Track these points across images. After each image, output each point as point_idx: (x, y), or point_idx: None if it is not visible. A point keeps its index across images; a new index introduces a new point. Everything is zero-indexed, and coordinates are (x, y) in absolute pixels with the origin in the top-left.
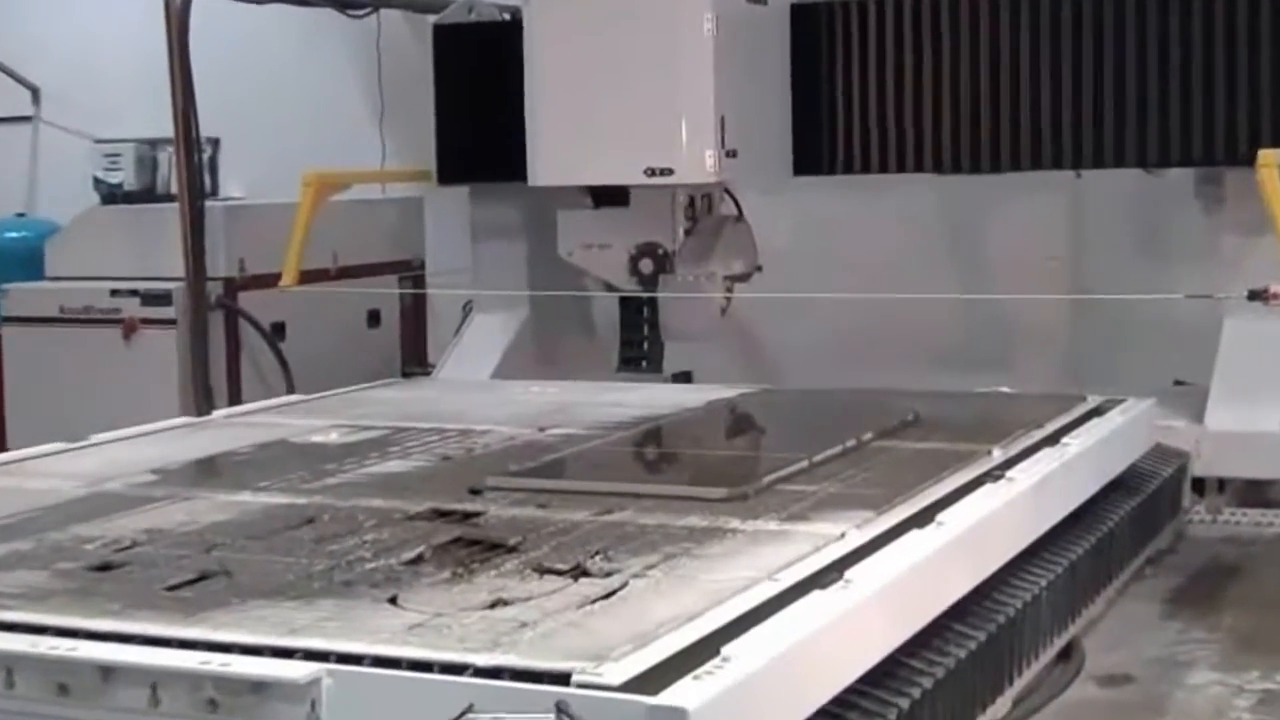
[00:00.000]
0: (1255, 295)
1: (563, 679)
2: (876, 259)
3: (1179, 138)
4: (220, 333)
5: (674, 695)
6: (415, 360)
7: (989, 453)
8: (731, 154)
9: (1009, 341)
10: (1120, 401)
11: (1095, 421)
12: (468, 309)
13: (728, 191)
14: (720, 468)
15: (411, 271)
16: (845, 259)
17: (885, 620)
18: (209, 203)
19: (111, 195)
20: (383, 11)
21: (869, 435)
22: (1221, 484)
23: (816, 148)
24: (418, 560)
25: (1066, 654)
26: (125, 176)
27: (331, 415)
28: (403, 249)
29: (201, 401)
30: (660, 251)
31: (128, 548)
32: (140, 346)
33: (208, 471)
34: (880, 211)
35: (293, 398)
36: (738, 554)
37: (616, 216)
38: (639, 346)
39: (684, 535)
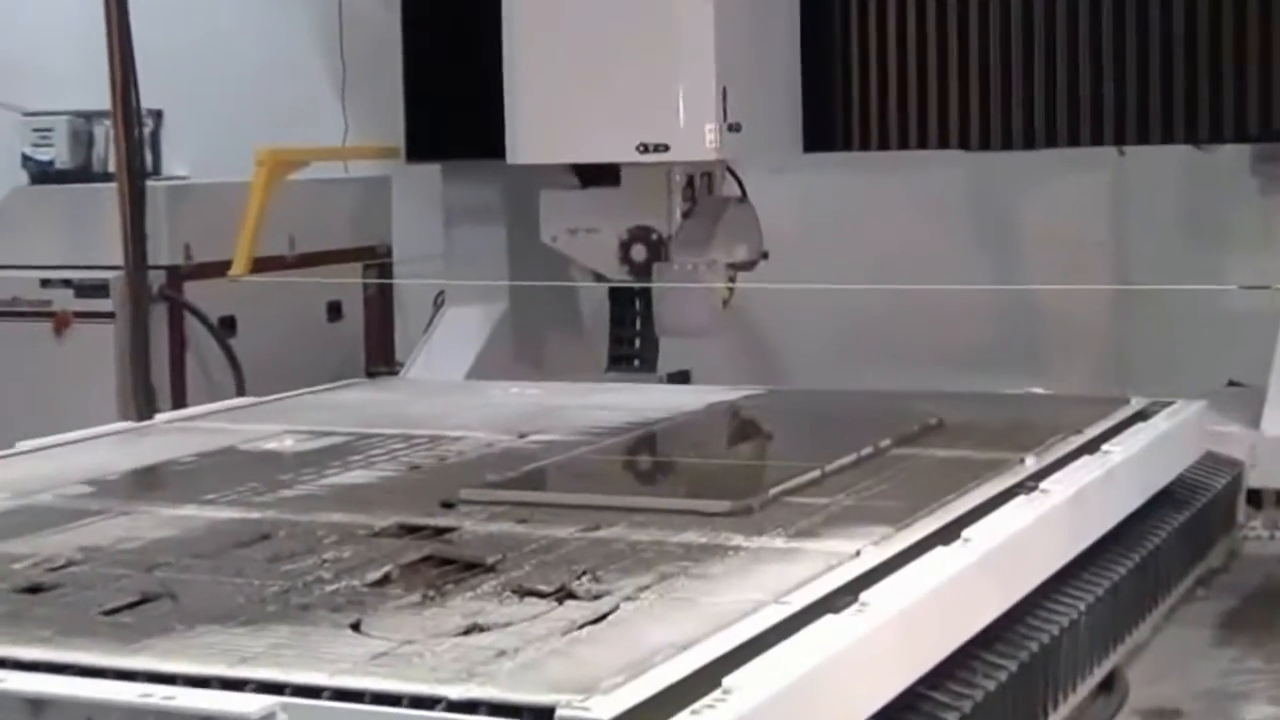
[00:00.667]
0: None
1: (546, 713)
2: (896, 246)
3: (1233, 111)
4: (163, 328)
5: None
6: (381, 358)
7: (1021, 461)
8: (734, 128)
9: (1043, 338)
10: (1168, 404)
11: (1140, 427)
12: (440, 301)
13: (730, 170)
14: (721, 478)
15: (377, 259)
16: (861, 246)
17: (905, 648)
18: (150, 183)
19: (42, 174)
20: None
21: (887, 442)
22: None
23: (829, 121)
24: (384, 581)
25: (1108, 686)
26: (57, 153)
27: (287, 420)
28: (367, 234)
29: (142, 404)
30: (654, 237)
31: (60, 567)
32: (73, 343)
33: (149, 482)
34: (900, 193)
35: (244, 400)
36: (741, 574)
37: (606, 198)
38: (630, 343)
39: (681, 553)
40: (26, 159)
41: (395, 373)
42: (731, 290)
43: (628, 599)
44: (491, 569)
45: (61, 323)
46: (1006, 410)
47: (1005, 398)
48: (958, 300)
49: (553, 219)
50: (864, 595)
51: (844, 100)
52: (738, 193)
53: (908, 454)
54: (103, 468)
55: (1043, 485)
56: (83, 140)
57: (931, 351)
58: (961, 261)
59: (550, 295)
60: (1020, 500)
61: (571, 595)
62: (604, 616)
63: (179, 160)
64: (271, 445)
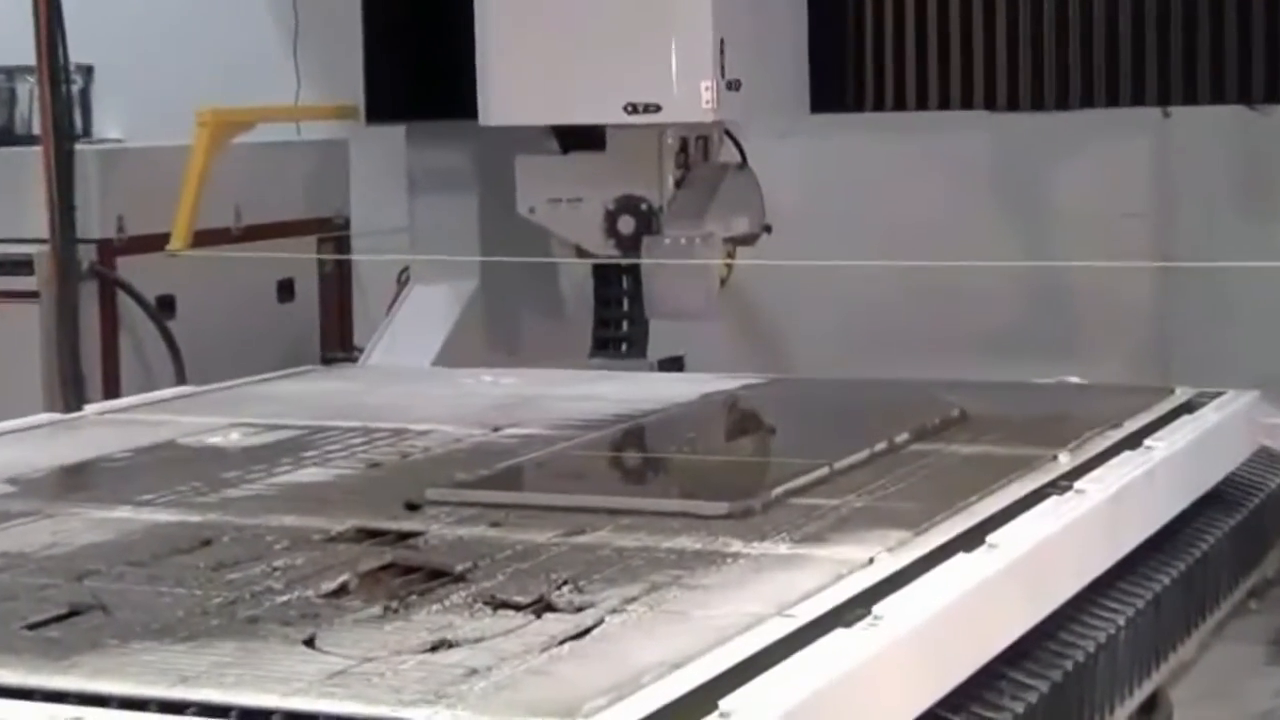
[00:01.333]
0: None
1: None
2: (913, 218)
3: None
4: (93, 308)
5: None
6: (338, 343)
7: (1053, 458)
8: (733, 86)
9: (1077, 321)
10: (1217, 394)
11: (1186, 419)
12: (404, 279)
13: (728, 133)
14: (718, 477)
15: (333, 232)
16: (874, 218)
17: (923, 666)
18: (80, 146)
19: None
20: None
21: (904, 436)
22: None
23: (839, 79)
24: (341, 592)
25: (1150, 708)
26: None
27: (233, 411)
28: (322, 204)
29: (70, 394)
30: (644, 207)
31: None
32: None
33: (78, 481)
34: (918, 159)
35: (184, 389)
36: (740, 584)
37: (589, 164)
38: (617, 326)
39: (673, 561)
40: None
41: (354, 359)
42: (730, 268)
43: (614, 612)
44: (461, 578)
45: None
46: (1037, 401)
47: (1035, 388)
48: (982, 279)
49: (530, 188)
50: (878, 607)
51: (856, 55)
52: (737, 159)
53: (927, 450)
54: (27, 464)
55: (1077, 485)
56: (3, 99)
57: (953, 336)
58: (986, 235)
59: (527, 273)
60: (1052, 502)
61: (550, 607)
62: (587, 631)
63: (112, 121)
64: (215, 440)
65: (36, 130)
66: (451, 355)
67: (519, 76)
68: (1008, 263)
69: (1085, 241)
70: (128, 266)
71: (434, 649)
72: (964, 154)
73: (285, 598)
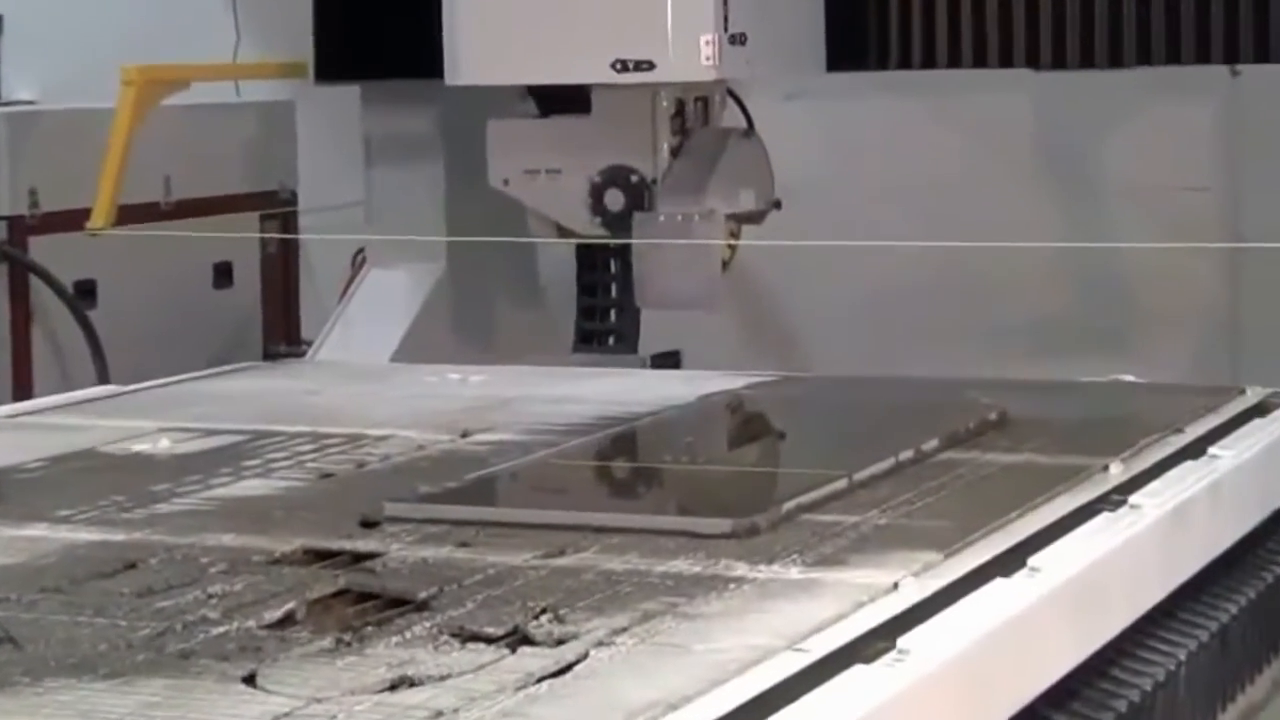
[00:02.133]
0: None
1: None
2: (945, 192)
3: None
4: (2, 296)
5: None
6: (283, 335)
7: (1105, 469)
8: (738, 40)
9: (1133, 310)
10: None
11: (1257, 424)
12: (359, 262)
13: (732, 94)
14: (720, 490)
15: (278, 208)
16: (900, 192)
17: (955, 707)
18: None
19: None
20: None
21: (933, 443)
22: None
23: (859, 33)
24: (286, 622)
25: None
26: None
27: (162, 415)
28: (265, 176)
29: None
30: (634, 180)
31: None
32: None
33: None
34: (950, 125)
35: (107, 389)
36: (745, 613)
37: (572, 130)
38: (604, 316)
39: (668, 586)
40: None
41: (302, 354)
42: (733, 249)
43: (600, 645)
44: (424, 606)
45: None
46: (1086, 403)
47: (1084, 387)
48: (1024, 262)
49: (504, 157)
50: (903, 640)
51: (878, 6)
52: (742, 124)
53: (960, 459)
54: None
55: (1132, 499)
56: None
57: (991, 328)
58: (1029, 213)
59: (501, 255)
60: (1103, 519)
61: (527, 640)
62: (569, 667)
63: (23, 81)
64: (142, 447)
65: None
66: (414, 349)
67: (491, 29)
68: (1053, 244)
69: (1142, 219)
70: (41, 247)
71: (393, 688)
72: (1003, 119)
73: (222, 629)
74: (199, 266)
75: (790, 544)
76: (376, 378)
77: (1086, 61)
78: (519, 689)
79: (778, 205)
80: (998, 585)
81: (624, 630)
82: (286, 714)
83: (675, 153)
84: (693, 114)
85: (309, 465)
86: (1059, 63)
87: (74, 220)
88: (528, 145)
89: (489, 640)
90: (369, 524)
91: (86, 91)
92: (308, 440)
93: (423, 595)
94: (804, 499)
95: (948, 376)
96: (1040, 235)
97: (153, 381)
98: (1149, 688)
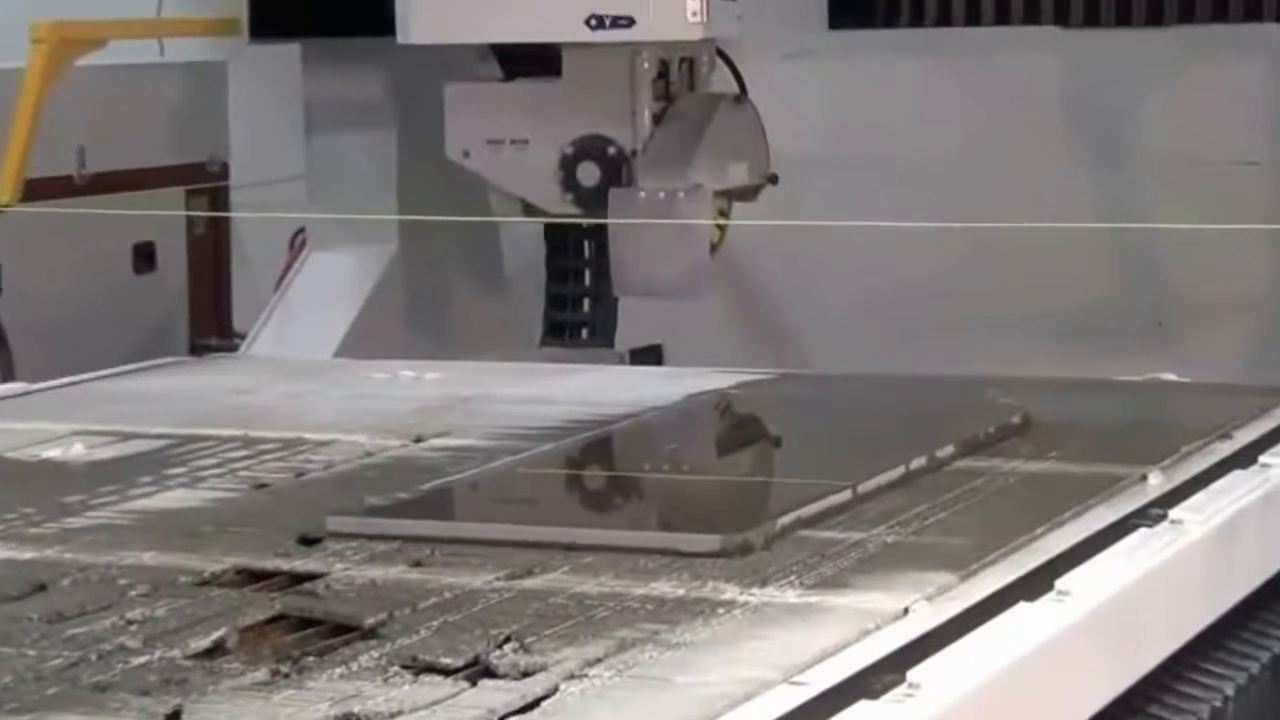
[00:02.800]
0: None
1: None
2: (961, 166)
3: None
4: None
5: None
6: (213, 327)
7: (1142, 479)
8: None
9: (1173, 298)
10: None
11: None
12: (299, 243)
13: (722, 55)
14: (708, 502)
15: (207, 183)
16: (910, 166)
17: None
18: None
19: None
20: None
21: (948, 450)
22: None
23: None
24: (216, 651)
25: None
26: None
27: (75, 416)
28: (193, 146)
29: None
30: (611, 152)
31: None
32: None
33: None
34: (967, 89)
35: (13, 387)
36: (736, 642)
37: (541, 96)
38: (576, 306)
39: (649, 612)
40: None
41: (234, 347)
42: (723, 230)
43: (571, 678)
44: (372, 634)
45: None
46: (1121, 404)
47: (1118, 386)
48: (1050, 245)
49: (464, 126)
50: (913, 673)
51: None
52: (734, 88)
53: (978, 467)
54: None
55: (1173, 514)
56: None
57: (1013, 318)
58: (1056, 189)
59: (460, 236)
60: (1140, 536)
61: (489, 672)
62: (536, 703)
63: None
64: (53, 453)
65: None
66: (361, 343)
67: None
68: (1083, 224)
69: (1183, 197)
70: None
71: None
72: (1027, 82)
73: (144, 659)
74: (117, 248)
75: (787, 564)
76: (318, 375)
77: (1122, 18)
78: None
79: (773, 180)
80: (1021, 611)
81: (598, 661)
82: None
83: (657, 121)
84: (677, 77)
85: (241, 474)
86: (1091, 19)
87: None
88: (490, 112)
89: (446, 672)
90: (309, 541)
91: None
92: (240, 446)
93: (370, 621)
94: (802, 513)
95: (964, 374)
96: (1069, 215)
97: (65, 379)
98: None
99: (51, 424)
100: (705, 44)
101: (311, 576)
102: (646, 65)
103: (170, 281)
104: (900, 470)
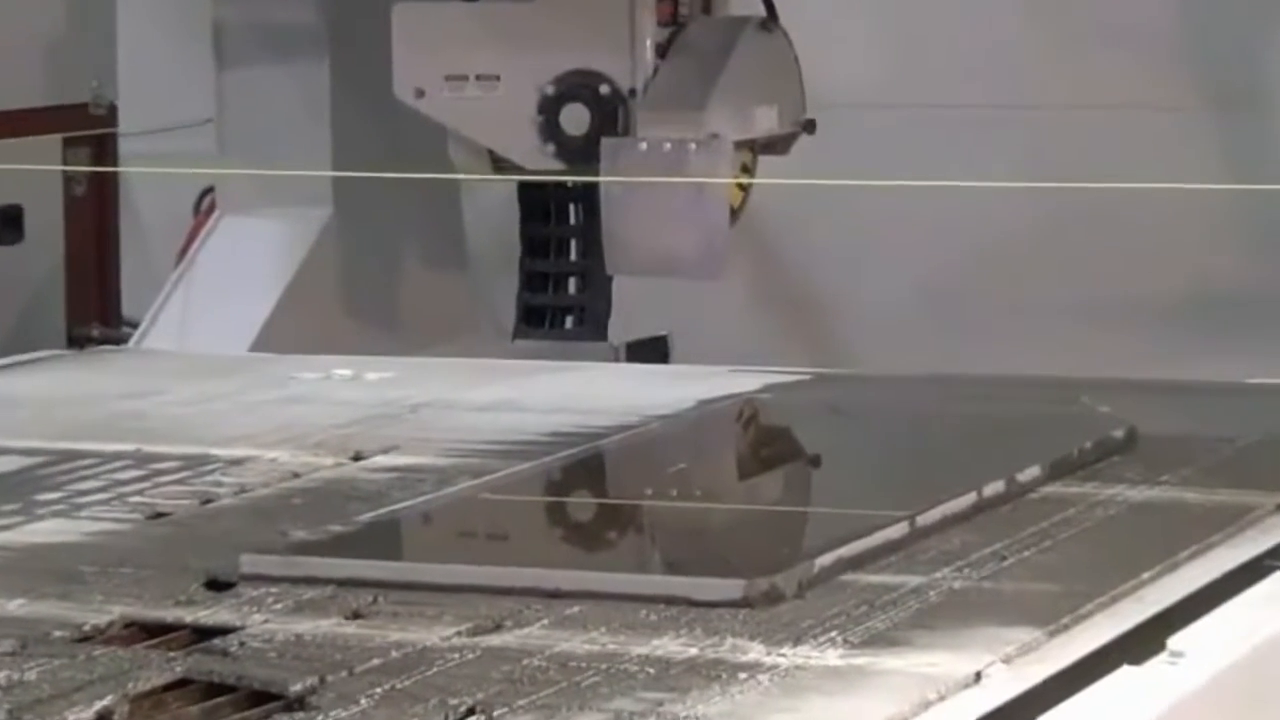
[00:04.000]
0: None
1: None
2: (1045, 109)
3: None
4: None
5: None
6: (96, 312)
7: (1277, 509)
8: None
9: None
10: None
11: None
12: (207, 206)
13: None
14: (726, 538)
15: (90, 128)
16: (980, 110)
17: None
18: None
19: None
20: None
21: (1031, 473)
22: None
23: None
24: None
25: None
26: None
27: None
28: (71, 82)
29: None
30: (604, 91)
31: None
32: None
33: None
34: (1059, 17)
35: None
36: (762, 716)
37: (515, 20)
38: (559, 287)
39: (651, 676)
40: None
41: (124, 339)
42: (746, 191)
43: None
44: (299, 704)
45: None
46: (1253, 415)
47: (1247, 392)
48: (1161, 210)
49: (417, 58)
50: None
51: None
52: (760, 10)
53: (1070, 494)
54: None
55: None
56: None
57: (1113, 303)
58: (1170, 139)
59: (410, 198)
60: (1275, 582)
61: None
62: None
63: None
64: None
65: None
66: (285, 333)
67: None
68: (1203, 185)
69: None
70: None
71: None
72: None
73: None
74: None
75: (826, 616)
76: (230, 373)
77: None
78: None
79: (809, 128)
80: (1125, 677)
81: None
82: None
83: (663, 52)
84: None
85: (133, 500)
86: None
87: None
88: (450, 41)
89: None
90: (219, 585)
91: None
92: (131, 464)
93: (297, 688)
94: (845, 551)
95: (1050, 375)
96: (1186, 172)
97: None
98: None
99: None
100: None
101: (222, 631)
102: None
103: (42, 255)
104: (970, 498)
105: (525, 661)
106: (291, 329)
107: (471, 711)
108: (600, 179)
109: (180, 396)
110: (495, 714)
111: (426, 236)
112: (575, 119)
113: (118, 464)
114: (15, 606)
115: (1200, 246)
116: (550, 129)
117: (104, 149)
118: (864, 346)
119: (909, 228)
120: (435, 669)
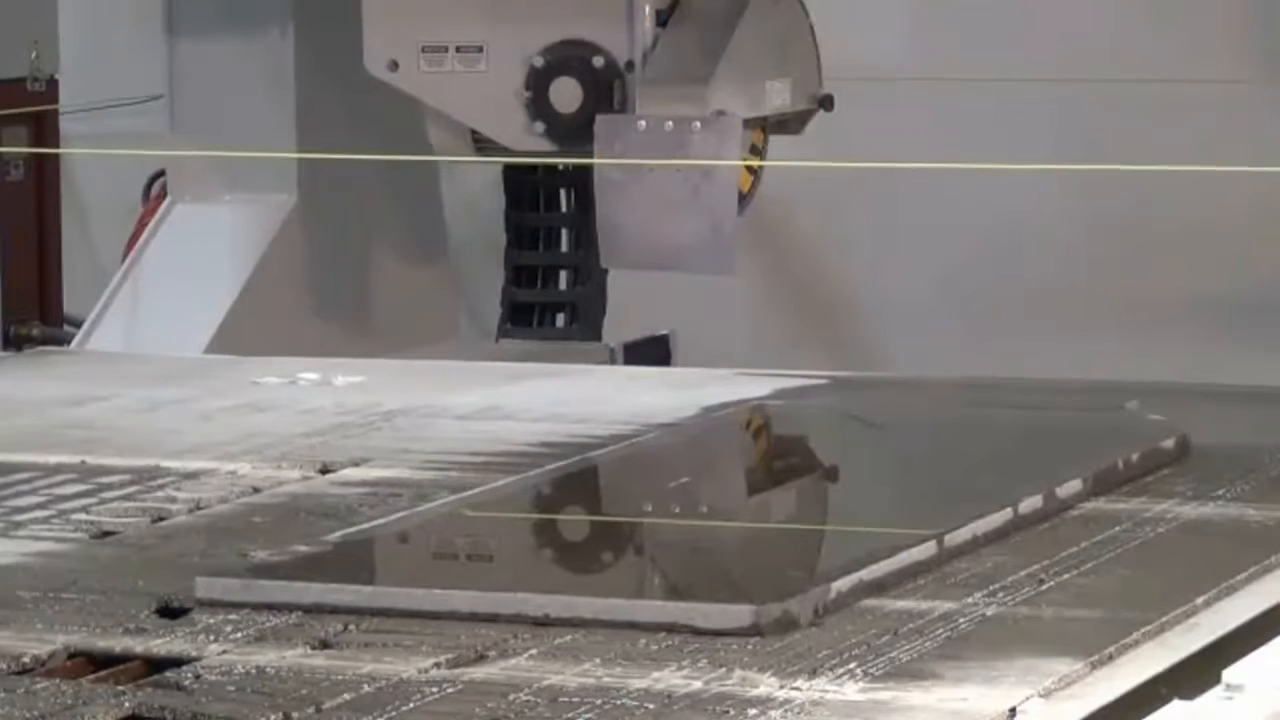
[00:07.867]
0: None
1: None
2: (1089, 88)
3: None
4: None
5: None
6: (35, 309)
7: None
8: None
9: None
10: None
11: None
12: (158, 192)
13: None
14: (735, 560)
15: (28, 105)
16: (1016, 86)
17: None
18: None
19: None
20: None
21: (1072, 486)
22: None
23: None
24: None
25: None
26: None
27: None
28: (4, 54)
29: None
30: (599, 64)
31: None
32: None
33: None
34: None
35: None
36: None
37: None
38: (549, 281)
39: (651, 713)
40: None
41: (67, 339)
42: (756, 174)
43: None
44: None
45: None
46: None
47: None
48: (1215, 197)
49: (391, 27)
50: None
51: None
52: None
53: (1115, 511)
54: None
55: None
56: None
57: (1161, 300)
58: (1228, 117)
59: (383, 184)
60: None
61: None
62: None
63: None
64: None
65: None
66: (245, 333)
67: None
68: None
69: None
70: None
71: None
72: None
73: None
74: None
75: (845, 645)
76: (184, 378)
77: None
78: None
79: (826, 104)
80: (1176, 713)
81: None
82: None
83: (664, 20)
84: None
85: (77, 517)
86: None
87: None
88: (427, 8)
89: None
90: (172, 612)
91: None
92: (75, 478)
93: None
94: (866, 574)
95: (1093, 379)
96: (1245, 155)
97: None
98: None
99: None
100: None
101: (175, 662)
102: None
103: None
104: (1005, 515)
105: (511, 696)
106: (252, 328)
107: None
108: (594, 161)
109: (129, 403)
110: None
111: (401, 226)
112: (566, 94)
113: (59, 478)
114: None
115: (1257, 236)
116: (539, 106)
117: (43, 128)
118: (885, 347)
119: (935, 215)
120: (412, 704)
